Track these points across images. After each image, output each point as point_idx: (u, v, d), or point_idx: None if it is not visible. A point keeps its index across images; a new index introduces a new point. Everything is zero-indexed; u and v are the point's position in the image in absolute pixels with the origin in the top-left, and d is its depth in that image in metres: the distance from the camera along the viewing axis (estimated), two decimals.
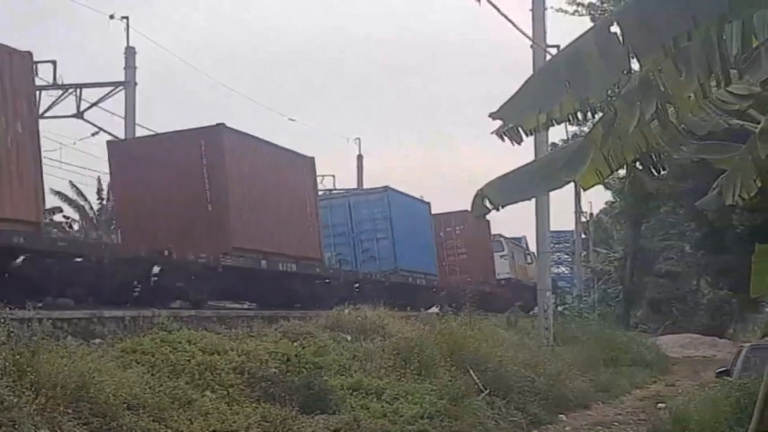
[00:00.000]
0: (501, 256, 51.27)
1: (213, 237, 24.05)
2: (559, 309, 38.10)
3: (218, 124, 25.43)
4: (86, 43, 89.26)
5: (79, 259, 20.24)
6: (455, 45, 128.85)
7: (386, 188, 36.90)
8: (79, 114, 34.23)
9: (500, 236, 52.12)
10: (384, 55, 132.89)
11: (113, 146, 28.09)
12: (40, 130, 20.25)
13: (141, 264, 21.89)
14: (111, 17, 34.59)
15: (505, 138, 7.35)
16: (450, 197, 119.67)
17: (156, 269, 22.18)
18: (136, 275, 21.78)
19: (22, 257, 18.59)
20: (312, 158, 30.36)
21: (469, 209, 8.24)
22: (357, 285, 31.38)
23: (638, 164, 8.21)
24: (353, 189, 39.82)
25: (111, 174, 27.72)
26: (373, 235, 35.76)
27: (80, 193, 45.72)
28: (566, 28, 38.43)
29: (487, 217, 8.40)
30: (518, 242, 57.94)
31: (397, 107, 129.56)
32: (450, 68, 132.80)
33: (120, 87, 34.55)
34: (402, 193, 37.94)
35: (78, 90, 34.15)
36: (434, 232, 41.80)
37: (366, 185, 48.94)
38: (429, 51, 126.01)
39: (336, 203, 36.92)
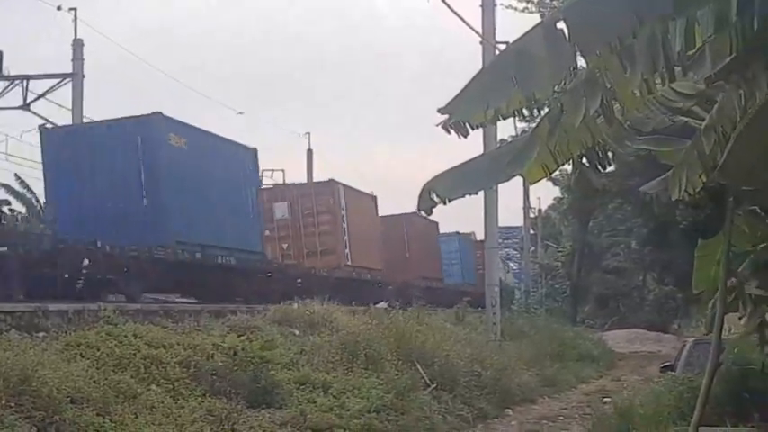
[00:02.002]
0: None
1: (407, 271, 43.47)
2: None
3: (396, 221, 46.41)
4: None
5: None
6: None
7: (457, 233, 57.60)
8: (26, 106, 33.74)
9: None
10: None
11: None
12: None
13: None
14: (59, 8, 34.19)
15: (451, 131, 7.31)
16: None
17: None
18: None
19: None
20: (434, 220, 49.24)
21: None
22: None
23: (584, 160, 8.25)
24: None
25: None
26: (449, 261, 55.41)
27: (26, 186, 44.94)
28: (516, 24, 38.58)
29: (435, 211, 8.25)
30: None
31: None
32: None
33: (68, 79, 34.12)
34: (463, 234, 57.63)
35: (25, 82, 33.68)
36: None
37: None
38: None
39: None
